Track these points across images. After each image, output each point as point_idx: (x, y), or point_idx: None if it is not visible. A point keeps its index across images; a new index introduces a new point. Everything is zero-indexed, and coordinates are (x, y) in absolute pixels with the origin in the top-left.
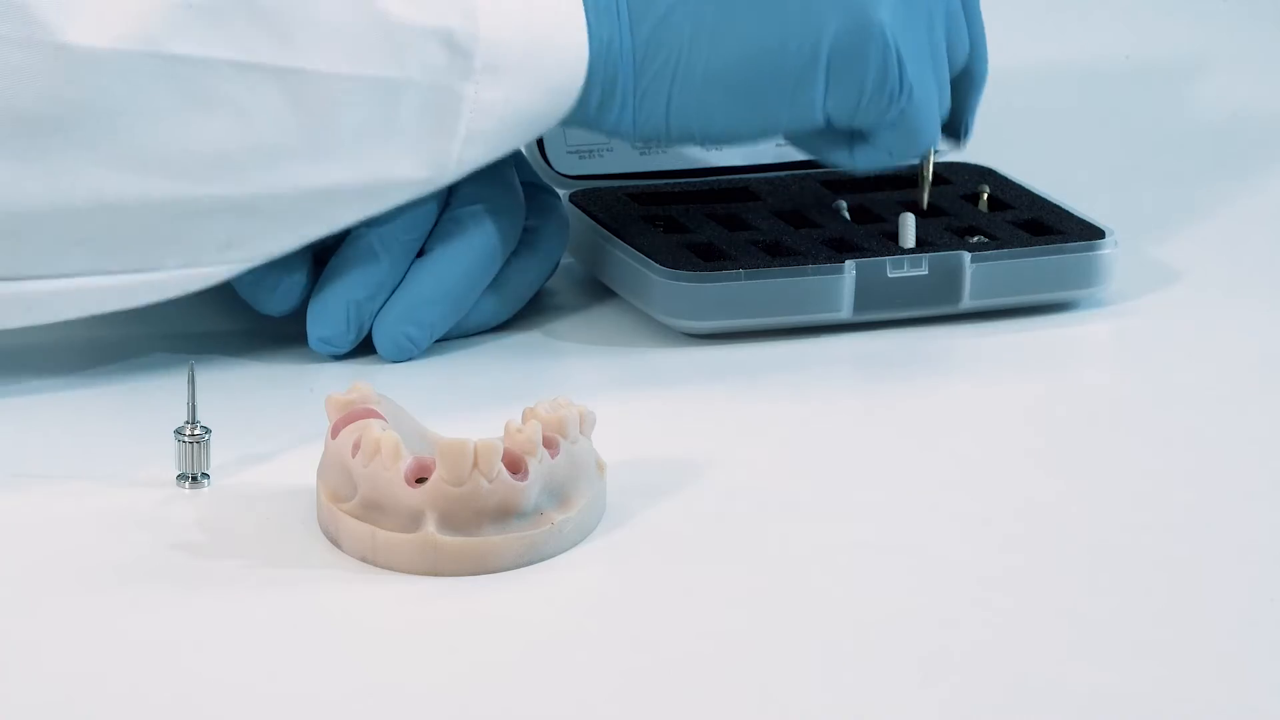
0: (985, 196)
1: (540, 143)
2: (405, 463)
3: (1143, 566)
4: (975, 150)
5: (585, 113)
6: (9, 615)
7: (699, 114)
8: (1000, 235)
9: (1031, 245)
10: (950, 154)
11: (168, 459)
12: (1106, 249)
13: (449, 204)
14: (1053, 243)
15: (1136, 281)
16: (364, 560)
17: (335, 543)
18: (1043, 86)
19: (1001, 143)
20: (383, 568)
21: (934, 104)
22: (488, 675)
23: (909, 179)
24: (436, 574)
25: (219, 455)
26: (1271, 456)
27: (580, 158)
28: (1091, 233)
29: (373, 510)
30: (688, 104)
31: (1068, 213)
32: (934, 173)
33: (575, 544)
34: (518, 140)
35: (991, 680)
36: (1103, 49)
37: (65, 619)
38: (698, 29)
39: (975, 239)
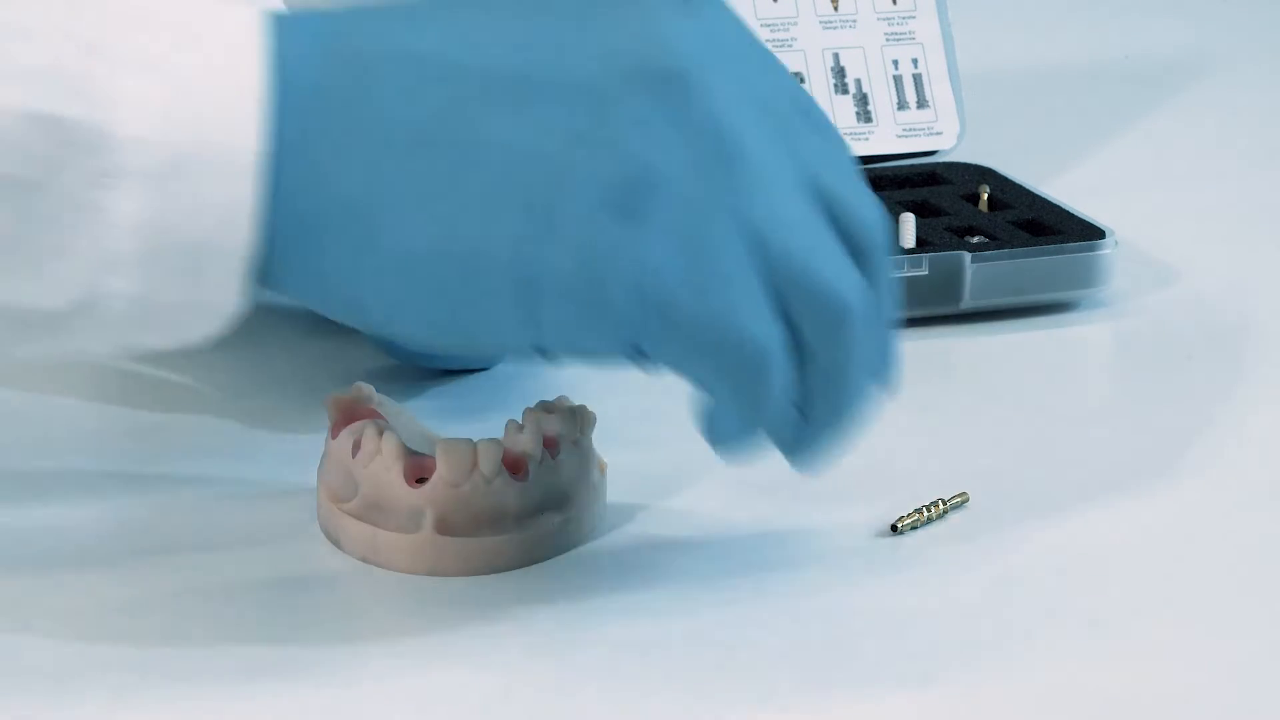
0: (985, 196)
1: None
2: (405, 463)
3: (1142, 566)
4: (975, 150)
5: (263, 266)
6: (8, 614)
7: (388, 304)
8: (1000, 235)
9: (1031, 245)
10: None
11: (167, 459)
12: (1106, 249)
13: None
14: (1053, 243)
15: (1136, 281)
16: (364, 560)
17: (335, 543)
18: (1043, 86)
19: (1001, 143)
20: (383, 568)
21: (739, 320)
22: (488, 675)
23: (910, 179)
24: (436, 574)
25: (219, 455)
26: (1272, 457)
27: None
28: (1091, 233)
29: (373, 510)
30: (373, 288)
31: (1068, 213)
32: (934, 173)
33: (575, 544)
34: (195, 295)
35: (990, 682)
36: (1103, 49)
37: (64, 618)
38: (387, 188)
39: (975, 239)
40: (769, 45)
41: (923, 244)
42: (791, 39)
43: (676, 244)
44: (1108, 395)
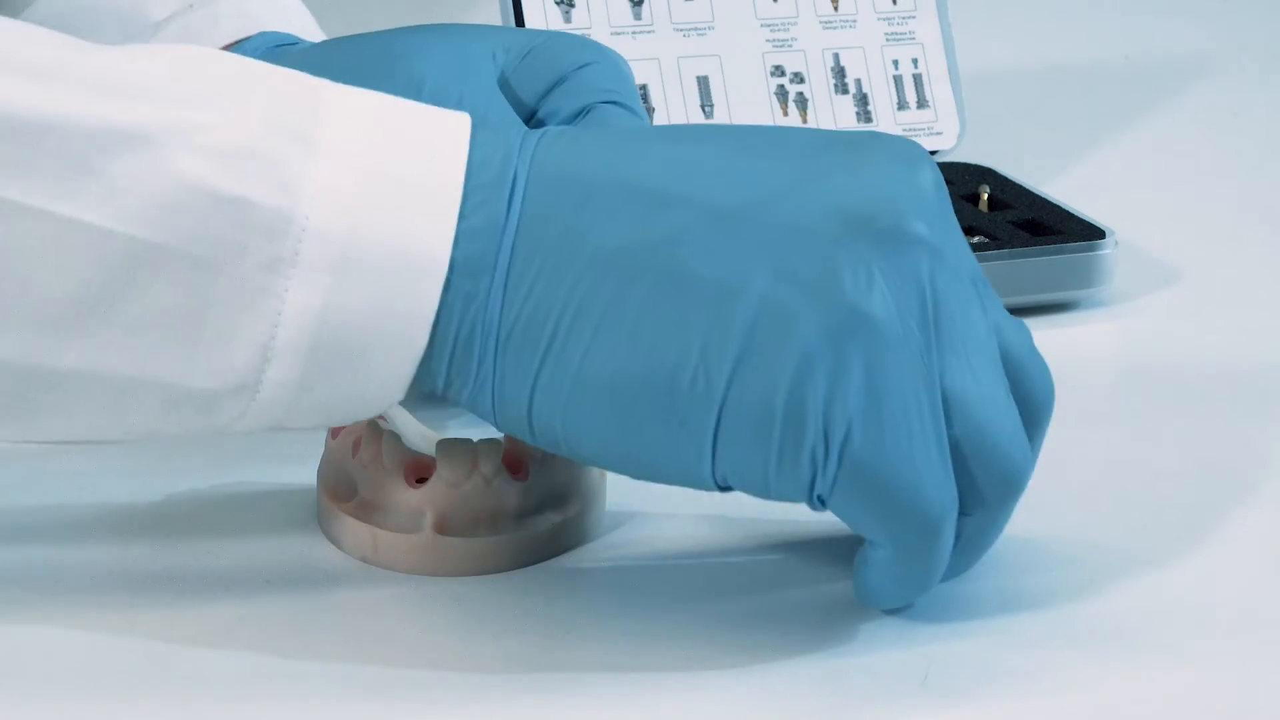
0: (985, 196)
1: None
2: (405, 463)
3: (1141, 568)
4: (975, 150)
5: (433, 370)
6: (7, 613)
7: (566, 422)
8: (1000, 235)
9: (1031, 245)
10: None
11: (167, 459)
12: (1106, 249)
13: None
14: (1053, 243)
15: (1136, 281)
16: (364, 560)
17: (335, 543)
18: (1043, 86)
19: (1001, 143)
20: (383, 568)
21: (922, 485)
22: (488, 675)
23: None
24: (436, 574)
25: (219, 455)
26: (1272, 457)
27: None
28: (1091, 233)
29: (373, 510)
30: (554, 405)
31: (1068, 213)
32: None
33: (575, 544)
34: (354, 388)
35: (987, 686)
36: (1103, 49)
37: (63, 618)
38: (587, 309)
39: (975, 239)
40: (769, 45)
41: None
42: (791, 39)
43: (872, 394)
44: (1108, 396)
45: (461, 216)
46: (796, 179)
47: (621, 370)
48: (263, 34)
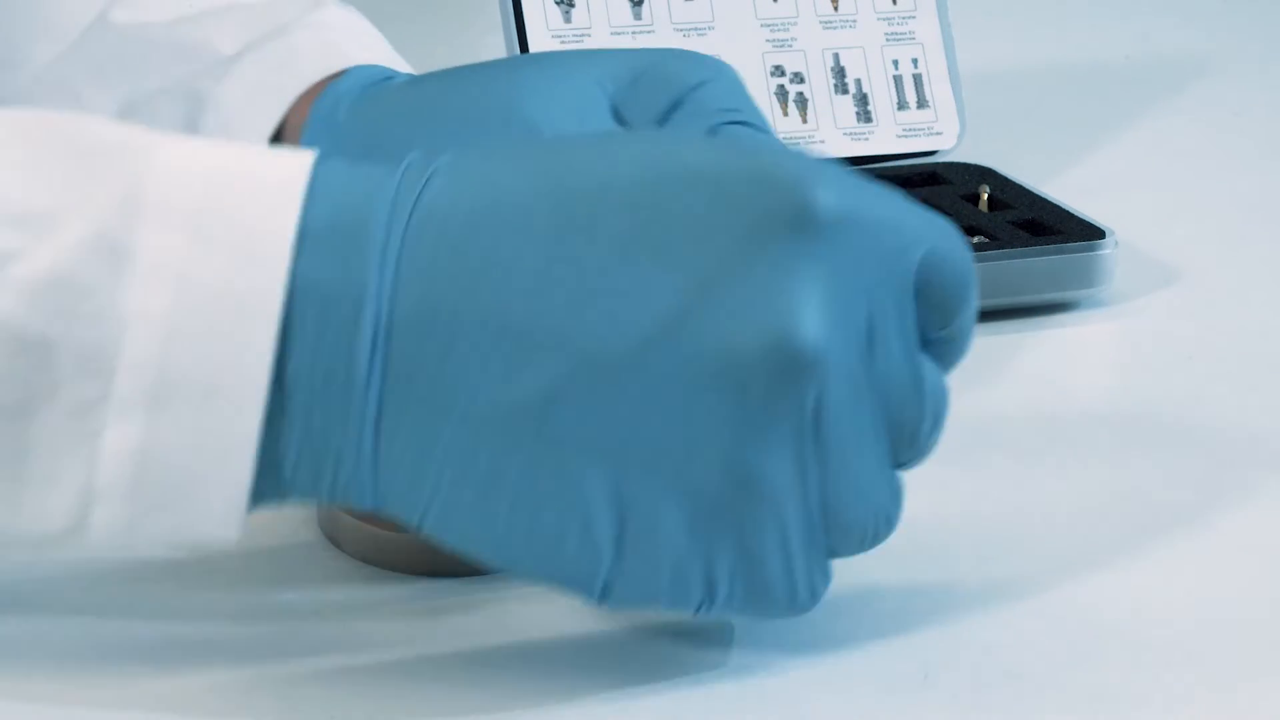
0: (985, 196)
1: None
2: None
3: (1141, 568)
4: (975, 150)
5: (299, 493)
6: (7, 613)
7: (459, 549)
8: (1000, 235)
9: (1031, 245)
10: None
11: None
12: (1106, 249)
13: None
14: (1053, 243)
15: (1136, 281)
16: (364, 560)
17: (335, 543)
18: (1043, 86)
19: (1001, 143)
20: (383, 568)
21: (797, 597)
22: (488, 675)
23: (910, 179)
24: (436, 574)
25: None
26: (1273, 457)
27: None
28: (1091, 233)
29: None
30: (443, 539)
31: (1068, 213)
32: (934, 173)
33: None
34: (187, 524)
35: (987, 686)
36: (1103, 49)
37: (62, 618)
38: (466, 474)
39: (975, 239)
40: (769, 45)
41: None
42: (791, 39)
43: (749, 563)
44: (1108, 396)
45: (291, 347)
46: (680, 305)
47: (506, 535)
48: (357, 68)
